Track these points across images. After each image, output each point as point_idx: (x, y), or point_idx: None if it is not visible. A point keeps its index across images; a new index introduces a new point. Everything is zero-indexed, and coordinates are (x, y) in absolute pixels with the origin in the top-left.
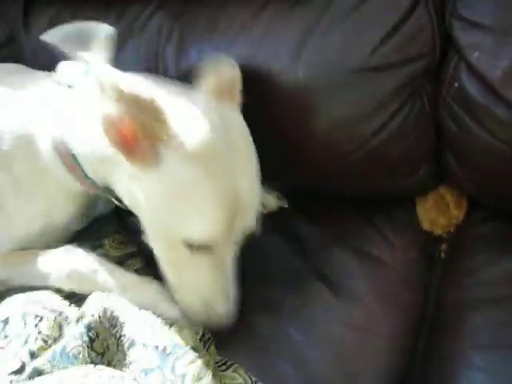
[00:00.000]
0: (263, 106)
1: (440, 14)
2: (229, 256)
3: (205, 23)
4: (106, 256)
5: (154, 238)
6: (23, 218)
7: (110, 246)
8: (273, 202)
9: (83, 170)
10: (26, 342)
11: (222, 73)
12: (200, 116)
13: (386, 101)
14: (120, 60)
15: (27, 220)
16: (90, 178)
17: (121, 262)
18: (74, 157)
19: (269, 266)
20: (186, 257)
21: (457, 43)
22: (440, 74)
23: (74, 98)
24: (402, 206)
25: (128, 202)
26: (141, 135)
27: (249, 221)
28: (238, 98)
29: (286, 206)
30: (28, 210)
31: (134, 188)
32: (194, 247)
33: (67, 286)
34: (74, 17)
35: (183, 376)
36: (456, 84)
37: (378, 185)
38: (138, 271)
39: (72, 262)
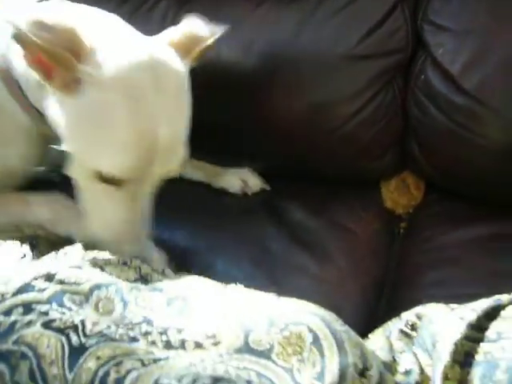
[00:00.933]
0: (256, 85)
1: (413, 18)
2: (142, 194)
3: (209, 11)
4: None
5: (72, 166)
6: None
7: None
8: (257, 183)
9: (28, 98)
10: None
11: (194, 30)
12: (133, 52)
13: (363, 87)
14: None
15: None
16: (34, 107)
17: None
18: (17, 83)
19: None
20: (98, 188)
21: (425, 42)
22: (410, 68)
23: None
24: (369, 187)
25: (56, 129)
26: (54, 62)
27: (166, 166)
28: (193, 56)
29: (268, 188)
30: None
31: (59, 114)
32: (103, 179)
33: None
34: None
35: None
36: (422, 76)
37: (351, 166)
38: None
39: None
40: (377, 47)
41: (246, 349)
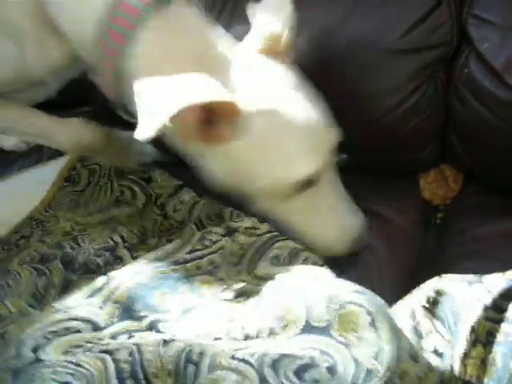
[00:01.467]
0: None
1: (458, 12)
2: (332, 178)
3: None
4: (160, 188)
5: (262, 201)
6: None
7: (160, 179)
8: None
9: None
10: None
11: (271, 30)
12: (263, 79)
13: (406, 80)
14: None
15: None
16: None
17: (173, 193)
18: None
19: None
20: (301, 201)
21: (470, 36)
22: (453, 62)
23: None
24: (408, 178)
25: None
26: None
27: (330, 141)
28: (284, 54)
29: None
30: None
31: (223, 163)
32: (303, 187)
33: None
34: None
35: None
36: (466, 70)
37: (390, 156)
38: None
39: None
40: (421, 41)
41: (309, 328)
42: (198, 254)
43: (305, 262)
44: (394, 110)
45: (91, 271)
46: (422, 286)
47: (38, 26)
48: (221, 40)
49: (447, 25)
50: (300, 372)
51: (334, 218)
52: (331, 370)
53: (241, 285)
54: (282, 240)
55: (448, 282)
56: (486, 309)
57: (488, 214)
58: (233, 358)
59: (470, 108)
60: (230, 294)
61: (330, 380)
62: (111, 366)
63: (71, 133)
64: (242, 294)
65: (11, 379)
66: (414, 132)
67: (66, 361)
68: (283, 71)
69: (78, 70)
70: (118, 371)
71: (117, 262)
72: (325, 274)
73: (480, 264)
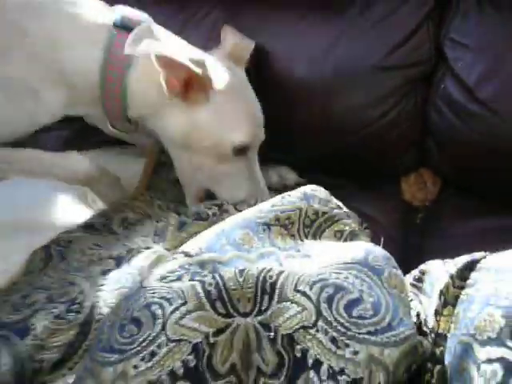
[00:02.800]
0: (297, 90)
1: (436, 34)
2: (255, 157)
3: (256, 23)
4: None
5: (199, 157)
6: (17, 117)
7: None
8: (293, 177)
9: (126, 108)
10: None
11: (239, 43)
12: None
13: (389, 94)
14: None
15: (19, 119)
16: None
17: None
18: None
19: None
20: (229, 164)
21: (446, 56)
22: (431, 79)
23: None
24: (390, 181)
25: (174, 136)
26: (195, 82)
27: (262, 132)
28: (245, 62)
29: (303, 182)
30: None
31: (183, 122)
32: (238, 152)
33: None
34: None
35: None
36: (442, 86)
37: (375, 162)
38: None
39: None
40: (403, 60)
41: (365, 263)
42: (280, 208)
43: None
44: (378, 120)
45: (202, 219)
46: (413, 271)
47: (49, 86)
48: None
49: (426, 46)
50: (348, 308)
51: (249, 181)
52: (375, 306)
53: (306, 248)
54: (347, 220)
55: (430, 264)
56: (452, 277)
57: (464, 214)
58: (296, 290)
59: (445, 119)
60: (296, 254)
61: (373, 317)
62: (200, 289)
63: (69, 166)
64: (304, 257)
65: (124, 302)
66: (395, 140)
67: (162, 286)
68: (240, 71)
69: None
70: (207, 293)
71: (223, 214)
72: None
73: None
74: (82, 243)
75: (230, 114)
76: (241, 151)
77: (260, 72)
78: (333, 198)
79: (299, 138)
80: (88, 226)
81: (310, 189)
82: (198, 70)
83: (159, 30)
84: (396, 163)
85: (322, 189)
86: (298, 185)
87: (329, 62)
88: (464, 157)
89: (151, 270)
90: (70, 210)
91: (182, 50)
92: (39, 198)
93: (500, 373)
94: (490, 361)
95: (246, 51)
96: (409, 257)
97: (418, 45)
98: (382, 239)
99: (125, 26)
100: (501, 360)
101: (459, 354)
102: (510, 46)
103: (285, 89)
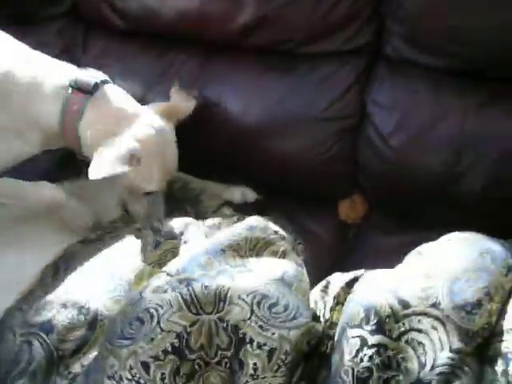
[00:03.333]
0: (255, 133)
1: (361, 95)
2: (161, 194)
3: (224, 72)
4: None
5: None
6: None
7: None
8: (253, 195)
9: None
10: None
11: (177, 104)
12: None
13: (327, 138)
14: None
15: (6, 152)
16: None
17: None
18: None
19: None
20: (144, 199)
21: (369, 112)
22: (358, 128)
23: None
24: (330, 204)
25: None
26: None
27: (170, 174)
28: (176, 120)
29: (261, 198)
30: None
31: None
32: (148, 193)
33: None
34: (122, 46)
35: None
36: (366, 134)
37: (317, 190)
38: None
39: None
40: (337, 113)
41: (282, 279)
42: (232, 238)
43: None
44: (319, 158)
45: (173, 238)
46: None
47: (30, 129)
48: (133, 105)
49: (354, 103)
50: (269, 307)
51: (149, 213)
52: (285, 306)
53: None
54: (281, 242)
55: (334, 275)
56: (343, 287)
57: (385, 229)
58: (239, 298)
59: (369, 159)
60: (244, 269)
61: (283, 312)
62: (180, 298)
63: (42, 194)
64: (249, 271)
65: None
66: (333, 173)
67: (155, 297)
68: (168, 127)
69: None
70: (184, 300)
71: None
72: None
73: (372, 263)
74: (81, 256)
75: (146, 174)
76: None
77: (224, 111)
78: (270, 224)
79: (256, 168)
80: (85, 241)
81: (253, 220)
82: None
83: (113, 93)
84: (334, 190)
85: (262, 219)
86: (256, 200)
87: (280, 111)
88: (385, 186)
89: (144, 284)
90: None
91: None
92: None
93: (358, 343)
94: (353, 337)
95: (182, 112)
96: (342, 262)
97: (348, 102)
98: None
99: (78, 87)
100: (359, 336)
101: (339, 334)
102: (413, 106)
103: (243, 129)
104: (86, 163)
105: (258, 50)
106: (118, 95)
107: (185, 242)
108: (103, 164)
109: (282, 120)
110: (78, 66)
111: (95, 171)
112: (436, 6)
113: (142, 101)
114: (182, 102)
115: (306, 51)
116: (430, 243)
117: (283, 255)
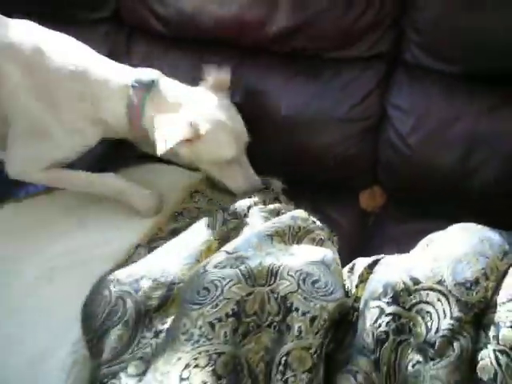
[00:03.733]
0: (283, 129)
1: (382, 98)
2: (244, 159)
3: (256, 77)
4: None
5: (210, 168)
6: (68, 147)
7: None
8: (280, 185)
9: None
10: None
11: (220, 77)
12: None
13: (350, 137)
14: None
15: (70, 148)
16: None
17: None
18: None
19: None
20: (230, 167)
21: (389, 114)
22: (378, 128)
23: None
24: (351, 194)
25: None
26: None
27: (244, 138)
28: (226, 88)
29: (287, 187)
30: (74, 141)
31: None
32: (230, 161)
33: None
34: (164, 51)
35: None
36: (385, 134)
37: (341, 182)
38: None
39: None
40: (359, 114)
41: (322, 261)
42: (277, 225)
43: None
44: (343, 154)
45: (236, 218)
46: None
47: (95, 124)
48: (187, 91)
49: (375, 106)
50: (313, 283)
51: (244, 177)
52: (325, 283)
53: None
54: (319, 231)
55: (358, 259)
56: (365, 268)
57: (401, 218)
58: (288, 274)
59: (388, 156)
60: (286, 253)
61: (324, 288)
62: (238, 272)
63: (108, 184)
64: (291, 255)
65: (196, 277)
66: (355, 167)
67: (217, 271)
68: (222, 96)
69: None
70: (242, 275)
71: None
72: None
73: (391, 249)
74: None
75: (216, 141)
76: (231, 159)
77: (256, 110)
78: (310, 216)
79: (285, 162)
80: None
81: (297, 212)
82: (194, 135)
83: (167, 85)
84: (355, 183)
85: (304, 212)
86: (283, 190)
87: (307, 112)
88: (401, 180)
89: (208, 257)
90: None
91: (183, 119)
92: None
93: (377, 312)
94: (373, 308)
95: (225, 81)
96: (361, 248)
97: (370, 105)
98: (337, 240)
99: (137, 85)
100: (378, 307)
101: (363, 305)
102: (428, 109)
103: (273, 127)
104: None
105: (288, 56)
106: (172, 87)
107: (246, 223)
108: (167, 137)
109: (309, 120)
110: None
111: (161, 145)
112: (451, 19)
113: None
114: (220, 75)
115: (331, 57)
116: (439, 232)
117: (321, 243)
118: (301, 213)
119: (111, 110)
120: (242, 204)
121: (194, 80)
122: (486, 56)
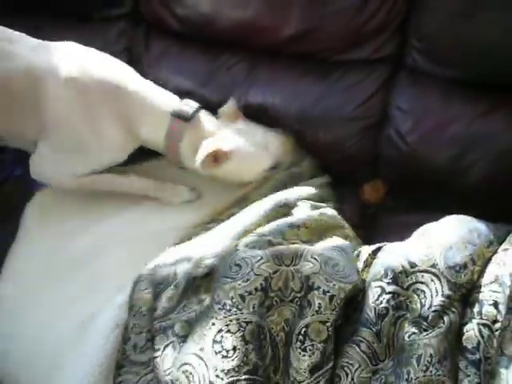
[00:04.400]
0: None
1: (384, 98)
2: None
3: (269, 77)
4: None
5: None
6: (104, 160)
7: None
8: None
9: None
10: None
11: (230, 108)
12: (231, 134)
13: (354, 134)
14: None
15: (106, 162)
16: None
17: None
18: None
19: None
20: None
21: (390, 114)
22: (379, 126)
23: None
24: (353, 186)
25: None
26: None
27: (277, 149)
28: (238, 119)
29: None
30: (110, 156)
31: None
32: (270, 169)
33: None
34: (181, 48)
35: None
36: (386, 132)
37: (346, 174)
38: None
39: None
40: (363, 114)
41: (341, 248)
42: (305, 218)
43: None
44: (348, 150)
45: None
46: None
47: (133, 141)
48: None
49: (377, 106)
50: (333, 266)
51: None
52: (344, 267)
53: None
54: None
55: (363, 247)
56: (370, 254)
57: (400, 210)
58: (311, 257)
59: (389, 152)
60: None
61: (342, 271)
62: (267, 252)
63: (133, 185)
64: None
65: (228, 256)
66: (359, 162)
67: (248, 250)
68: (237, 122)
69: None
70: (270, 255)
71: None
72: None
73: (390, 237)
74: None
75: (246, 160)
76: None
77: (268, 109)
78: (338, 215)
79: None
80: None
81: (325, 209)
82: (224, 155)
83: (204, 120)
84: (357, 177)
85: (332, 209)
86: None
87: (315, 110)
88: (400, 175)
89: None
90: None
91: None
92: None
93: (379, 291)
94: (375, 287)
95: (233, 112)
96: (362, 236)
97: (373, 105)
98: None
99: (178, 115)
100: (380, 286)
101: (367, 286)
102: (427, 110)
103: (282, 125)
104: None
105: (299, 57)
106: (208, 120)
107: (292, 214)
108: (199, 155)
109: (316, 118)
110: (140, 64)
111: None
112: (451, 28)
113: (196, 95)
114: (232, 107)
115: (339, 59)
116: (433, 223)
117: (344, 238)
118: (328, 210)
119: (151, 133)
120: (294, 195)
121: (205, 78)
122: (483, 64)
